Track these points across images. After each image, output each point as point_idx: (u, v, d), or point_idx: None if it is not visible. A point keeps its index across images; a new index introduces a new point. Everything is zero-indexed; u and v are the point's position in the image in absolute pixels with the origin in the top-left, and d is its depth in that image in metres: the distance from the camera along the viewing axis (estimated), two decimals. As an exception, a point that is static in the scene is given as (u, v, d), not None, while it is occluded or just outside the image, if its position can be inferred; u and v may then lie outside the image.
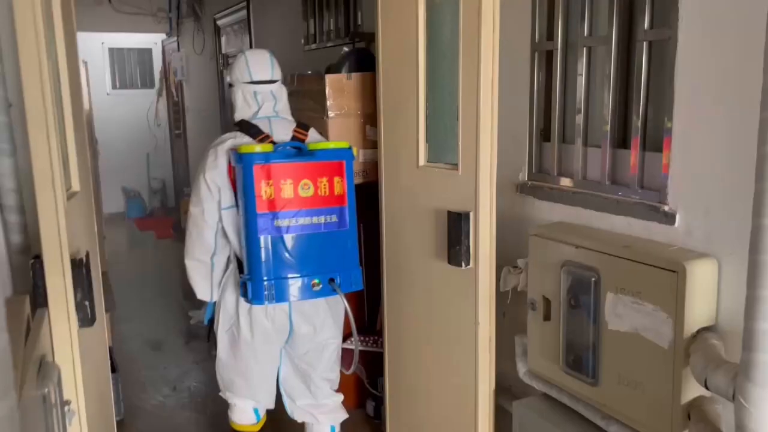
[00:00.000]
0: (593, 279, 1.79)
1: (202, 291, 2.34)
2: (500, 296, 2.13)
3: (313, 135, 2.38)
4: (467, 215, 1.97)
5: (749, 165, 1.21)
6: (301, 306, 2.26)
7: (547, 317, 1.98)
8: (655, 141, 1.77)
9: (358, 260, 2.25)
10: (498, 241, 1.99)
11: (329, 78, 2.78)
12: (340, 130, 2.79)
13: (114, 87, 8.41)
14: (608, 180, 1.93)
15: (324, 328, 2.34)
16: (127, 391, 3.41)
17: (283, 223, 2.09)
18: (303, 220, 2.12)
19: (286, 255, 2.11)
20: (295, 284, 2.14)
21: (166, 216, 8.15)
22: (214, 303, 2.38)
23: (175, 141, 8.12)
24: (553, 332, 1.96)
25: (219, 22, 5.82)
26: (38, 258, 1.45)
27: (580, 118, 2.00)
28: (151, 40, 8.18)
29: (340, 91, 2.79)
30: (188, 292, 5.24)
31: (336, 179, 2.15)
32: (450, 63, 2.19)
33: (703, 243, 1.63)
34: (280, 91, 2.36)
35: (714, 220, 1.61)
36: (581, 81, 1.99)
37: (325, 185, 2.14)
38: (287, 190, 2.09)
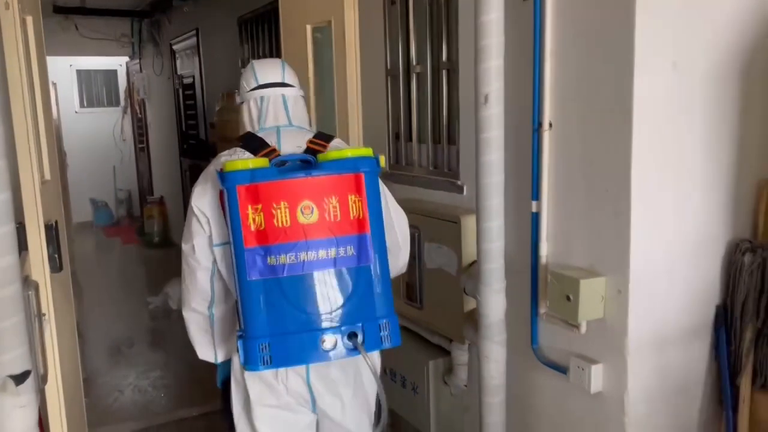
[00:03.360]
0: (416, 234, 2.57)
1: (203, 349, 1.82)
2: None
3: (336, 145, 1.77)
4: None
5: (462, 147, 2.00)
6: (323, 368, 1.71)
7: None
8: (453, 138, 2.57)
9: (392, 305, 1.59)
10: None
11: (248, 96, 3.55)
12: (258, 136, 3.56)
13: (82, 105, 9.08)
14: (431, 166, 2.71)
15: (353, 407, 1.78)
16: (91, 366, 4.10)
17: (278, 260, 1.50)
18: (305, 255, 1.51)
19: (286, 303, 1.51)
20: (298, 342, 1.52)
21: (131, 224, 8.83)
22: (226, 363, 1.83)
23: (140, 154, 8.81)
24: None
25: (174, 47, 6.56)
26: (21, 224, 2.17)
27: (414, 123, 2.79)
28: (116, 62, 8.88)
29: (257, 106, 3.56)
30: (150, 283, 6.02)
31: (351, 198, 1.54)
32: (330, 82, 2.99)
33: (473, 204, 2.41)
34: (296, 98, 1.86)
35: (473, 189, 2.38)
36: (414, 97, 2.78)
37: (334, 207, 1.53)
38: (281, 216, 1.51)
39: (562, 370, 2.02)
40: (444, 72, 2.58)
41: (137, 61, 8.05)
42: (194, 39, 5.85)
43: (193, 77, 6.10)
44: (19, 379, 1.42)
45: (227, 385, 1.83)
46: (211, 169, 1.71)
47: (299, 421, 1.77)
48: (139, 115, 8.55)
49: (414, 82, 2.78)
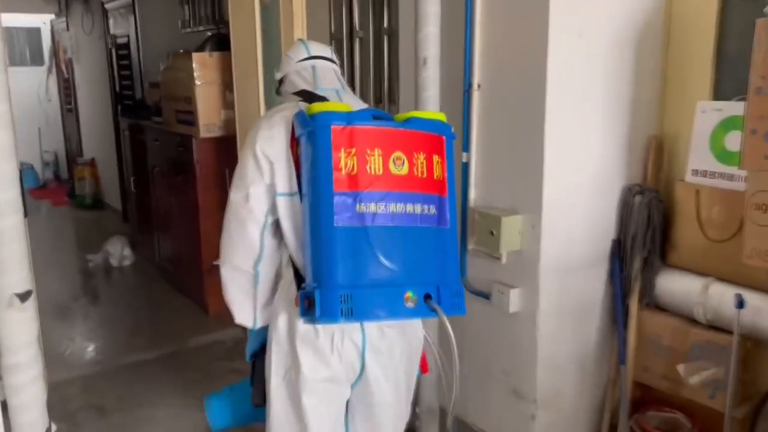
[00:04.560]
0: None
1: (242, 312, 1.70)
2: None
3: None
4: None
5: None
6: (378, 340, 1.62)
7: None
8: (393, 98, 2.85)
9: (459, 274, 1.60)
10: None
11: (195, 56, 3.72)
12: (206, 94, 3.74)
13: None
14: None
15: (400, 387, 1.71)
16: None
17: (368, 208, 1.41)
18: (394, 207, 1.44)
19: (371, 254, 1.41)
20: (382, 295, 1.42)
21: (59, 186, 8.67)
22: (260, 331, 1.73)
23: (67, 115, 8.61)
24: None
25: (107, 5, 6.48)
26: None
27: (357, 84, 3.06)
28: (40, 20, 8.60)
29: (204, 65, 3.74)
30: (87, 242, 6.08)
31: (435, 158, 1.51)
32: (277, 46, 3.20)
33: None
34: (341, 75, 1.83)
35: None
36: (357, 60, 3.04)
37: (422, 163, 1.48)
38: (375, 163, 1.43)
39: (486, 296, 2.38)
40: (385, 37, 2.85)
41: (63, 19, 7.84)
42: (129, -2, 5.84)
43: (128, 37, 6.08)
44: (24, 297, 1.64)
45: (258, 357, 1.73)
46: (278, 116, 1.58)
47: (342, 395, 1.67)
48: (66, 75, 8.34)
49: (357, 46, 3.03)
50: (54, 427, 1.86)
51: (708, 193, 2.18)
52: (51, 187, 8.80)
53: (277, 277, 1.70)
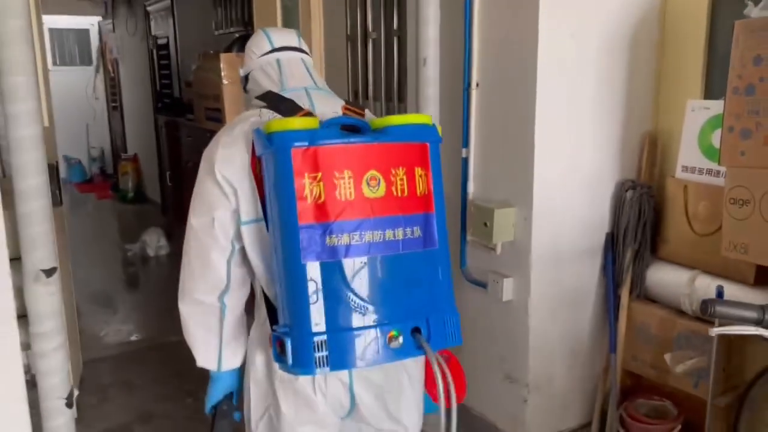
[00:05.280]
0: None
1: (206, 353, 1.48)
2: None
3: (371, 116, 1.53)
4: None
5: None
6: (366, 371, 1.42)
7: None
8: (402, 96, 2.99)
9: (453, 298, 1.38)
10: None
11: (223, 56, 3.94)
12: (232, 92, 3.94)
13: (55, 64, 9.21)
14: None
15: (400, 410, 1.50)
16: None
17: (340, 240, 1.24)
18: (371, 236, 1.26)
19: (348, 292, 1.25)
20: (362, 339, 1.25)
21: (105, 180, 9.09)
22: (224, 377, 1.52)
23: (112, 112, 9.02)
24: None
25: (149, 8, 6.79)
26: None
27: (370, 83, 3.20)
28: (88, 22, 9.03)
29: (231, 65, 3.95)
30: (127, 233, 6.35)
31: (418, 171, 1.31)
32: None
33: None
34: (312, 66, 1.61)
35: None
36: (370, 60, 3.19)
37: (402, 180, 1.30)
38: (345, 187, 1.25)
39: (483, 284, 2.49)
40: (395, 38, 2.99)
41: (110, 21, 8.22)
42: (168, 1, 6.11)
43: (167, 38, 6.37)
44: (49, 272, 1.84)
45: (221, 409, 1.52)
46: (238, 130, 1.39)
47: None
48: (112, 74, 8.74)
49: (370, 46, 3.18)
50: (76, 392, 2.07)
51: (695, 188, 2.25)
52: (97, 182, 9.23)
53: (244, 311, 1.51)
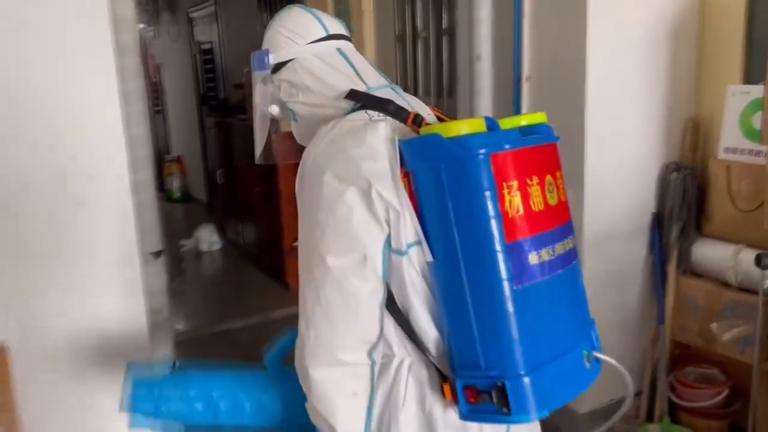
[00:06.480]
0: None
1: (349, 423, 1.13)
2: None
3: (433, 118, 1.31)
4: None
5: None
6: None
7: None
8: (452, 91, 3.18)
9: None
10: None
11: (276, 59, 4.15)
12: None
13: (98, 71, 9.59)
14: (434, 114, 3.34)
15: None
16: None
17: (540, 256, 1.07)
18: (561, 248, 1.12)
19: (551, 315, 1.10)
20: (567, 367, 1.11)
21: (150, 182, 9.45)
22: None
23: (155, 117, 9.36)
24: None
25: (192, 15, 7.08)
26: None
27: (420, 80, 3.41)
28: (130, 29, 9.38)
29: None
30: (177, 230, 6.62)
31: (560, 175, 1.18)
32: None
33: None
34: None
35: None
36: (420, 57, 3.39)
37: (561, 183, 1.17)
38: (536, 195, 1.08)
39: (537, 264, 2.67)
40: (445, 36, 3.18)
41: (152, 28, 8.55)
42: (213, 8, 6.38)
43: (212, 43, 6.64)
44: (156, 255, 2.08)
45: None
46: (376, 137, 1.10)
47: None
48: (154, 80, 9.07)
49: (420, 45, 3.38)
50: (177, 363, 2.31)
51: (737, 168, 2.40)
52: (142, 183, 9.59)
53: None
